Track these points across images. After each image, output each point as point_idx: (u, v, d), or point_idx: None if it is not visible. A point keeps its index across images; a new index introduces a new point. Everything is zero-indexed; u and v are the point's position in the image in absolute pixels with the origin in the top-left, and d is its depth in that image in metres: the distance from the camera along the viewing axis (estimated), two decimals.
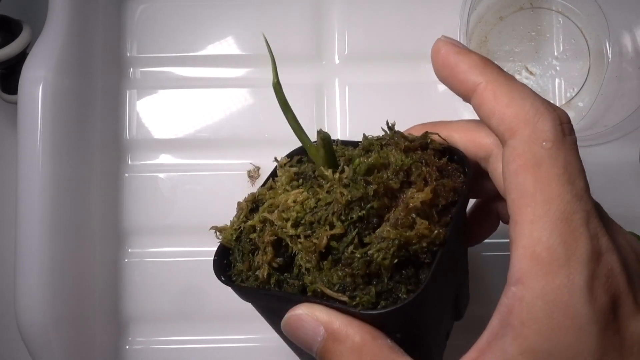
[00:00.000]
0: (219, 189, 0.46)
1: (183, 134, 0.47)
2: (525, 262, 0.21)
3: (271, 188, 0.28)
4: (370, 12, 0.47)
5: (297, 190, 0.26)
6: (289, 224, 0.25)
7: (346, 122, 0.46)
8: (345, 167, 0.25)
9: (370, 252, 0.23)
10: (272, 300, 0.26)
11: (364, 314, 0.23)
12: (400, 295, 0.23)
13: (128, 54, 0.48)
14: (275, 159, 0.30)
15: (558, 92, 0.47)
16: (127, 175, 0.47)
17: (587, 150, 0.46)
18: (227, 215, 0.46)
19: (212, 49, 0.47)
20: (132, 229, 0.46)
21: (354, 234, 0.24)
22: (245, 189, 0.46)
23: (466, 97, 0.25)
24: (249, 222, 0.27)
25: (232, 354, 0.45)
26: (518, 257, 0.21)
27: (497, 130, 0.24)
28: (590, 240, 0.21)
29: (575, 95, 0.47)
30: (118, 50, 0.47)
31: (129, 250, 0.46)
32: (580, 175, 0.22)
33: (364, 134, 0.29)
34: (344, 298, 0.23)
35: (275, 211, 0.26)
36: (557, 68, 0.47)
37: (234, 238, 0.27)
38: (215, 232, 0.28)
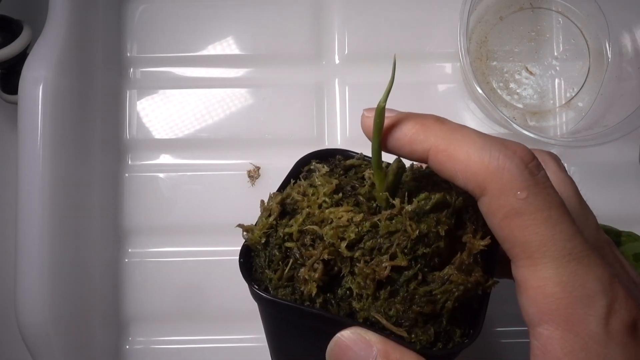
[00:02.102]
0: (219, 189, 0.46)
1: (183, 134, 0.47)
2: (541, 301, 0.21)
3: (305, 194, 0.26)
4: (370, 12, 0.47)
5: (346, 207, 0.25)
6: (344, 244, 0.24)
7: (346, 122, 0.46)
8: (414, 199, 0.25)
9: (434, 292, 0.23)
10: (314, 320, 0.24)
11: (422, 351, 0.23)
12: (454, 338, 0.24)
13: (128, 54, 0.48)
14: (314, 165, 0.28)
15: (558, 92, 0.47)
16: (127, 175, 0.47)
17: (587, 150, 0.46)
18: (227, 215, 0.46)
19: (212, 49, 0.47)
20: (132, 229, 0.46)
21: (416, 269, 0.23)
22: (245, 189, 0.46)
23: (425, 162, 0.24)
24: (286, 229, 0.25)
25: (232, 354, 0.45)
26: (532, 297, 0.22)
27: (466, 188, 0.23)
28: (599, 268, 0.21)
29: (575, 95, 0.47)
30: (118, 50, 0.47)
31: (129, 250, 0.46)
32: (561, 209, 0.22)
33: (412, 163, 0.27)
34: (403, 333, 0.23)
35: (327, 226, 0.24)
36: (557, 68, 0.47)
37: (262, 241, 0.26)
38: (243, 231, 0.27)
